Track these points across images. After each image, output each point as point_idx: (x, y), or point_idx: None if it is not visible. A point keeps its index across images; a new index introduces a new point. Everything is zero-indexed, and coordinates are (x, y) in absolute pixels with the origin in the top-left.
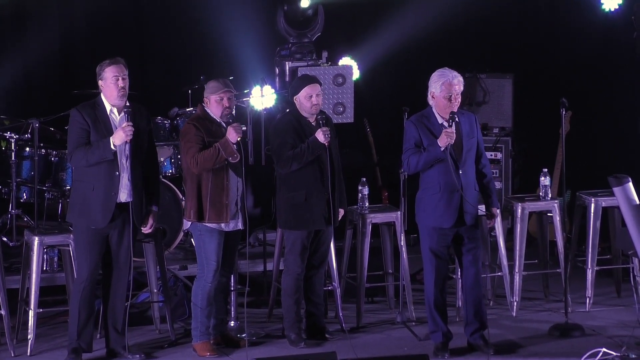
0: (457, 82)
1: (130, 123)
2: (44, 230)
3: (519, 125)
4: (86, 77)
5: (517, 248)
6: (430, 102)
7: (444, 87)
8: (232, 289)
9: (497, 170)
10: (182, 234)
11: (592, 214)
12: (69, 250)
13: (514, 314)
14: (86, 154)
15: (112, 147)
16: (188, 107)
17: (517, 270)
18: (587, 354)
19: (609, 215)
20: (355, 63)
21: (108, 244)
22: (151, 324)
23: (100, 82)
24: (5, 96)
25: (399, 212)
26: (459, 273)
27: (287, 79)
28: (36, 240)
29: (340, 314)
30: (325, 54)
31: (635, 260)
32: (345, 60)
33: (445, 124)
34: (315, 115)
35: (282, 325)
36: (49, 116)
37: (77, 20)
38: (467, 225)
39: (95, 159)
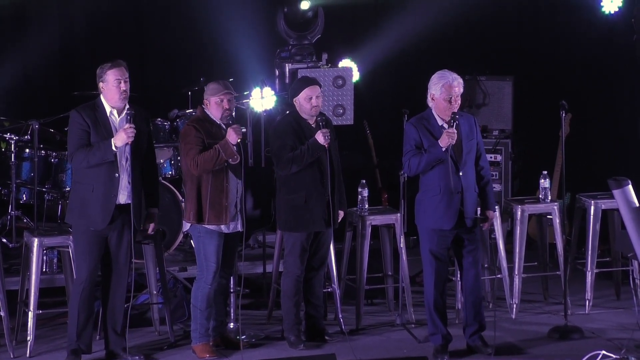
0: (457, 84)
1: (132, 125)
2: (44, 232)
3: (518, 127)
4: (86, 78)
5: (517, 250)
6: (430, 104)
7: (444, 89)
8: (231, 290)
9: (497, 173)
10: (181, 235)
11: (591, 217)
12: (69, 252)
13: (514, 317)
14: (87, 155)
15: (113, 148)
16: (188, 109)
17: (516, 273)
18: (587, 357)
19: (608, 217)
20: (355, 65)
21: (107, 245)
22: (150, 325)
23: (101, 85)
24: (5, 97)
25: (398, 214)
26: (459, 275)
27: (287, 80)
28: (36, 241)
29: (340, 316)
30: (325, 56)
31: (635, 263)
32: (345, 62)
33: (445, 125)
34: (315, 117)
35: (282, 327)
36: (48, 117)
37: (77, 20)
38: (467, 227)
39: (96, 160)
